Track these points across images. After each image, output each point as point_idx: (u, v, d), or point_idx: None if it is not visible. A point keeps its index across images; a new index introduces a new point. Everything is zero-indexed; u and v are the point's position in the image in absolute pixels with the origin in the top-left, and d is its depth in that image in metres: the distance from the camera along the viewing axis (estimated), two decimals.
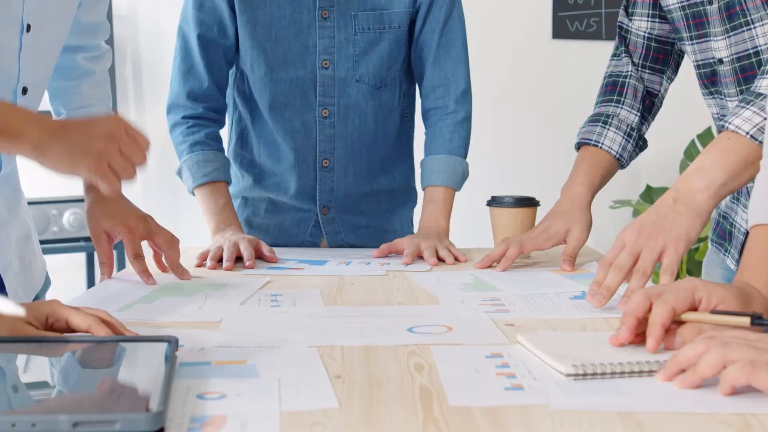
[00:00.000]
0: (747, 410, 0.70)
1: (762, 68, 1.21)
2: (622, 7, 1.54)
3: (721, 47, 1.32)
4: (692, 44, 1.39)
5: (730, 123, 1.17)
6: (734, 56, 1.31)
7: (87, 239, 3.17)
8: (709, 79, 1.39)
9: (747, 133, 1.14)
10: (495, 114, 3.62)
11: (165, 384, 0.71)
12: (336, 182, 1.71)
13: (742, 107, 1.17)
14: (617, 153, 1.49)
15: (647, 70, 1.53)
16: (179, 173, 1.68)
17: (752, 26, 1.27)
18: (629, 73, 1.53)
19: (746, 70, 1.31)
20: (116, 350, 0.82)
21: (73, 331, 0.89)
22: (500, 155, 3.68)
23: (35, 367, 0.87)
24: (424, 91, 1.72)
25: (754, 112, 1.15)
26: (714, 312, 0.88)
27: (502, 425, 0.68)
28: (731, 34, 1.29)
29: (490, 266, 1.45)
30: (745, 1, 1.26)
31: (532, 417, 0.70)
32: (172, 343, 0.83)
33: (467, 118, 1.71)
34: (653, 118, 1.56)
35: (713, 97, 1.41)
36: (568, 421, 0.69)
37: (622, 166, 1.52)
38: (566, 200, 1.47)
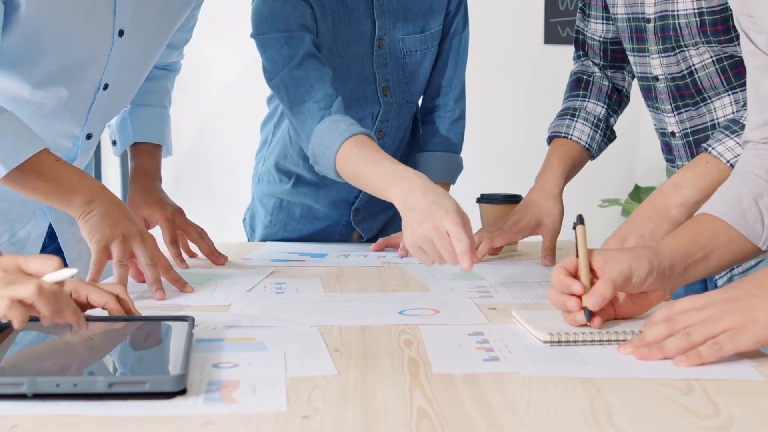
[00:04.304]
0: (690, 376, 0.81)
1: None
2: (579, 10, 1.62)
3: (656, 65, 1.42)
4: (633, 56, 1.48)
5: (712, 149, 1.27)
6: (668, 75, 1.41)
7: None
8: (647, 93, 1.49)
9: (728, 161, 1.25)
10: (487, 116, 3.73)
11: (185, 353, 0.81)
12: None
13: (727, 135, 1.27)
14: (586, 143, 1.58)
15: (608, 69, 1.63)
16: (315, 158, 1.46)
17: (685, 50, 1.37)
18: (594, 72, 1.63)
19: (681, 89, 1.41)
20: (142, 326, 0.93)
21: (92, 306, 0.99)
22: (491, 155, 3.78)
23: None
24: (427, 90, 1.81)
25: (737, 143, 1.25)
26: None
27: (478, 389, 0.78)
28: (663, 55, 1.40)
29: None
30: (679, 28, 1.35)
31: (505, 382, 0.80)
32: (189, 321, 0.94)
33: (462, 116, 1.81)
34: (621, 111, 1.65)
35: (651, 109, 1.51)
36: (536, 385, 0.79)
37: (592, 157, 1.61)
38: (537, 191, 1.55)
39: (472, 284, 1.31)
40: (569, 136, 1.58)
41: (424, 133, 1.82)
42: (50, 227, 1.49)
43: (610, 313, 1.01)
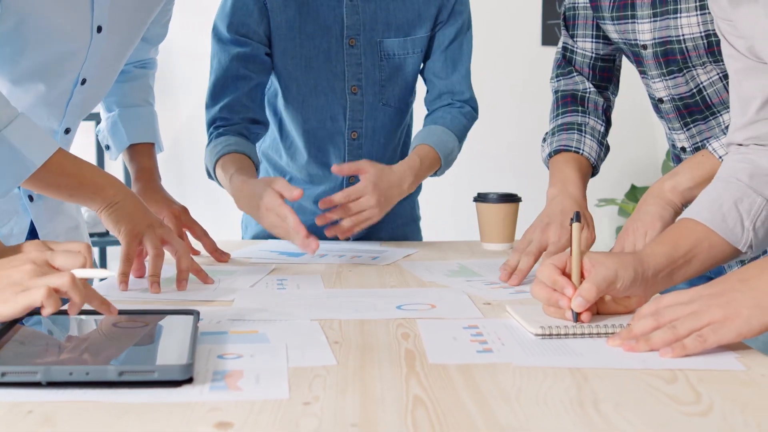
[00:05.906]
0: (674, 366, 0.85)
1: None
2: (563, 28, 1.61)
3: (658, 88, 1.44)
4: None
5: (709, 144, 1.34)
6: (675, 96, 1.44)
7: (101, 235, 3.33)
8: (656, 110, 1.50)
9: (720, 157, 1.31)
10: (485, 116, 3.75)
11: (191, 344, 0.85)
12: None
13: (724, 134, 1.31)
14: (594, 160, 1.55)
15: (596, 88, 1.62)
16: (210, 172, 1.68)
17: (693, 69, 1.40)
18: (588, 88, 1.60)
19: (689, 107, 1.44)
20: (150, 319, 0.96)
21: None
22: (488, 155, 3.82)
23: None
24: (428, 97, 1.83)
25: None
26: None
27: (472, 378, 0.82)
28: (668, 77, 1.42)
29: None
30: (686, 51, 1.38)
31: (497, 372, 0.84)
32: (195, 314, 0.98)
33: (471, 113, 1.81)
34: (609, 129, 1.65)
35: (661, 121, 1.53)
36: (527, 375, 0.83)
37: (593, 174, 1.57)
38: (568, 201, 1.46)
39: (470, 281, 1.35)
40: (580, 152, 1.53)
41: (426, 120, 1.81)
42: (32, 223, 1.52)
43: (593, 310, 1.04)
